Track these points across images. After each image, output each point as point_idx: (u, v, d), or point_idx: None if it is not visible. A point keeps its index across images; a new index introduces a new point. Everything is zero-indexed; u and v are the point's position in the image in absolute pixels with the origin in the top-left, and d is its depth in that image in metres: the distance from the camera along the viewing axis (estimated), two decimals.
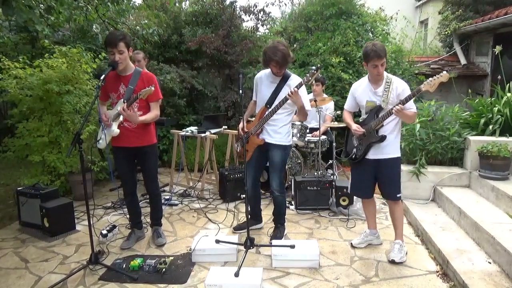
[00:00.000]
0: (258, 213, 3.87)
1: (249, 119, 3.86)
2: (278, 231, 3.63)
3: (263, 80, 3.41)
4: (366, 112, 3.23)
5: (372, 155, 3.18)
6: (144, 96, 3.01)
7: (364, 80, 3.23)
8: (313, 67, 3.13)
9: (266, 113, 3.34)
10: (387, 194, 3.28)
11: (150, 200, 3.69)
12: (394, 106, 2.93)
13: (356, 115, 3.53)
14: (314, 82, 5.17)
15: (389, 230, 3.82)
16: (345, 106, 3.43)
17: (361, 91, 3.22)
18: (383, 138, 3.09)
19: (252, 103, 3.63)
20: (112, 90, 3.26)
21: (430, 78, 2.85)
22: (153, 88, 2.99)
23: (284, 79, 3.33)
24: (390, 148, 3.14)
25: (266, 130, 3.39)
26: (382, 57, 2.95)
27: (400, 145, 3.26)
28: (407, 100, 2.92)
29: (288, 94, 3.15)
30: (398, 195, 3.21)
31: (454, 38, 7.82)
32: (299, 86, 3.14)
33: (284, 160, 3.52)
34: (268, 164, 3.58)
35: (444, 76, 2.79)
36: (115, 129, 3.19)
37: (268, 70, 3.40)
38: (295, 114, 3.51)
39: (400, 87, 3.06)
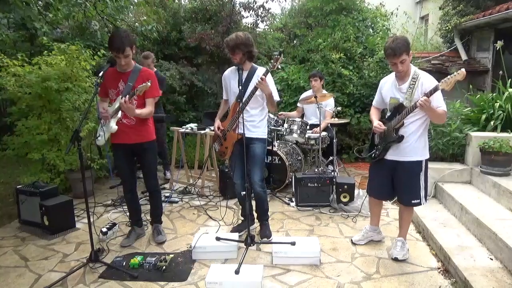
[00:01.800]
0: (252, 212, 3.73)
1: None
2: (266, 229, 3.55)
3: (231, 77, 3.40)
4: (390, 109, 3.09)
5: (390, 155, 3.05)
6: (141, 92, 3.00)
7: (392, 75, 3.09)
8: (276, 52, 3.09)
9: (239, 107, 3.31)
10: (400, 198, 3.16)
11: (149, 197, 3.67)
12: (420, 99, 2.72)
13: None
14: (312, 78, 5.18)
15: (390, 227, 3.81)
16: (373, 102, 3.32)
17: (387, 88, 3.10)
18: (400, 138, 2.93)
19: (223, 102, 3.62)
20: (111, 87, 3.24)
21: (448, 76, 2.65)
22: (149, 84, 2.98)
23: (251, 72, 3.34)
24: (410, 150, 2.96)
25: (245, 126, 3.32)
26: (398, 56, 2.78)
27: None
28: (431, 93, 2.70)
29: (256, 83, 3.14)
30: (412, 201, 3.05)
31: (455, 33, 7.77)
32: (266, 73, 3.13)
33: (265, 153, 3.52)
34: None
35: (460, 73, 2.59)
36: (113, 126, 3.18)
37: (233, 67, 3.43)
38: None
39: (426, 84, 2.84)
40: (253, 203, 3.57)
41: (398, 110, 2.97)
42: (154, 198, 3.64)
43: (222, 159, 3.63)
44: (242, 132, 3.16)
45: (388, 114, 3.13)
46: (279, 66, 3.09)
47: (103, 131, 3.26)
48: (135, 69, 3.20)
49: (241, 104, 3.22)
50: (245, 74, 3.32)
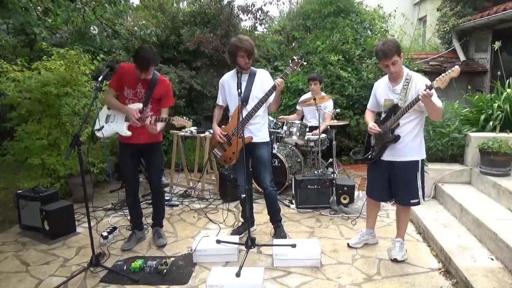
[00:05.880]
0: (252, 214, 3.81)
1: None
2: (281, 230, 3.62)
3: (230, 81, 3.39)
4: (385, 111, 3.12)
5: (387, 156, 3.07)
6: (177, 124, 3.19)
7: (385, 78, 3.13)
8: (296, 57, 3.10)
9: (249, 110, 3.29)
10: (398, 199, 3.16)
11: (153, 199, 3.69)
12: (421, 92, 2.69)
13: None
14: (312, 81, 5.19)
15: (390, 228, 3.82)
16: (368, 105, 3.35)
17: (381, 90, 3.13)
18: (396, 138, 2.95)
19: (218, 108, 3.59)
20: (129, 85, 3.26)
21: (442, 74, 2.68)
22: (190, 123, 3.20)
23: (252, 74, 3.34)
24: (406, 150, 2.99)
25: (249, 130, 3.35)
26: (390, 57, 2.83)
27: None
28: (431, 86, 2.68)
29: (277, 83, 3.14)
30: (411, 201, 3.06)
31: (453, 34, 7.80)
32: (284, 76, 3.17)
33: (271, 155, 3.56)
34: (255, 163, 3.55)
35: (455, 71, 2.62)
36: (127, 132, 3.26)
37: (232, 72, 3.42)
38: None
39: (419, 84, 2.89)
40: (254, 205, 3.58)
41: (393, 111, 3.00)
42: (158, 199, 3.66)
43: (227, 166, 3.62)
44: (247, 136, 3.20)
45: (383, 115, 3.15)
46: (299, 69, 3.11)
47: (109, 126, 3.28)
48: (154, 78, 3.28)
49: (246, 106, 3.24)
50: (246, 77, 3.33)
